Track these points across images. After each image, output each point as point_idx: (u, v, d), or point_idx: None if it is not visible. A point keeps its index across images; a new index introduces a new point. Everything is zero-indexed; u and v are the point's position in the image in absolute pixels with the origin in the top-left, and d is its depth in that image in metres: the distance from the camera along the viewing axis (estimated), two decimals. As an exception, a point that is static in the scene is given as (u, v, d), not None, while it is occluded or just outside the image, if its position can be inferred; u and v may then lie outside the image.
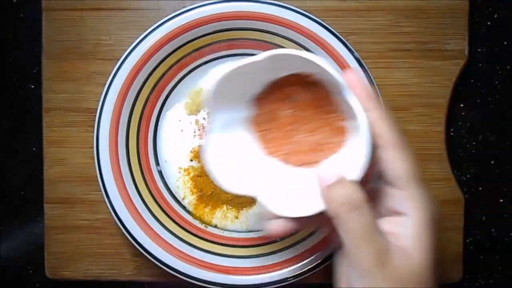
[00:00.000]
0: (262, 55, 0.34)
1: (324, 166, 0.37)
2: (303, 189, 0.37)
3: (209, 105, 0.37)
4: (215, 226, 0.50)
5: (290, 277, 0.47)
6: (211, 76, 0.51)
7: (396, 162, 0.32)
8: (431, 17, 0.51)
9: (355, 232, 0.30)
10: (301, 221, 0.35)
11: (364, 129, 0.32)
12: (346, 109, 0.35)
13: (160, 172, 0.51)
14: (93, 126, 0.47)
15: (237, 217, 0.50)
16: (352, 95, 0.32)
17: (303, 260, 0.47)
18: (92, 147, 0.47)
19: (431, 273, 0.31)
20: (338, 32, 0.47)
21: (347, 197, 0.31)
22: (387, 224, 0.32)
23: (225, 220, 0.50)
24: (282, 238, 0.49)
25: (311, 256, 0.47)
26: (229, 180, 0.38)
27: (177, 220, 0.49)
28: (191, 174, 0.50)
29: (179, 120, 0.51)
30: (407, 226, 0.31)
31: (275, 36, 0.48)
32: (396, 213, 0.32)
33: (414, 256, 0.30)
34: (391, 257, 0.30)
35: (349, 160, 0.34)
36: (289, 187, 0.38)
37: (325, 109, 0.37)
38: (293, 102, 0.39)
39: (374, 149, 0.32)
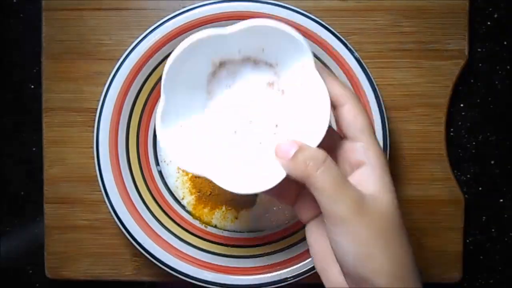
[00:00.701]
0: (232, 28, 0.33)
1: (280, 138, 0.37)
2: (261, 163, 0.36)
3: (164, 88, 0.35)
4: (215, 226, 0.50)
5: (290, 277, 0.47)
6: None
7: (356, 117, 0.34)
8: (431, 17, 0.51)
9: (328, 185, 0.31)
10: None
11: (325, 95, 0.33)
12: (296, 78, 0.35)
13: (160, 172, 0.51)
14: (93, 126, 0.47)
15: (236, 218, 0.50)
16: (311, 62, 0.33)
17: (303, 260, 0.47)
18: (92, 147, 0.47)
19: (400, 211, 0.33)
20: (338, 32, 0.47)
21: (310, 157, 0.32)
22: (353, 178, 0.34)
23: (224, 220, 0.50)
24: (282, 238, 0.49)
25: (311, 256, 0.47)
26: (184, 158, 0.36)
27: (177, 220, 0.49)
28: (190, 175, 0.50)
29: (179, 120, 0.51)
30: (370, 172, 0.33)
31: (275, 36, 0.48)
32: (358, 164, 0.34)
33: (383, 198, 0.32)
34: (365, 203, 0.32)
35: (304, 127, 0.35)
36: (247, 163, 0.37)
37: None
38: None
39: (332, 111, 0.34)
